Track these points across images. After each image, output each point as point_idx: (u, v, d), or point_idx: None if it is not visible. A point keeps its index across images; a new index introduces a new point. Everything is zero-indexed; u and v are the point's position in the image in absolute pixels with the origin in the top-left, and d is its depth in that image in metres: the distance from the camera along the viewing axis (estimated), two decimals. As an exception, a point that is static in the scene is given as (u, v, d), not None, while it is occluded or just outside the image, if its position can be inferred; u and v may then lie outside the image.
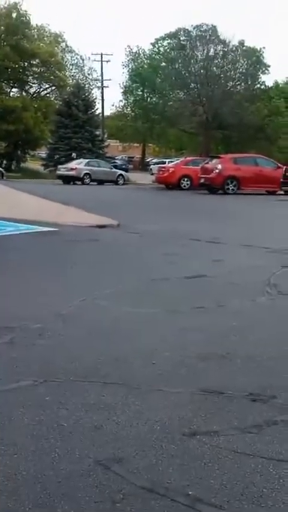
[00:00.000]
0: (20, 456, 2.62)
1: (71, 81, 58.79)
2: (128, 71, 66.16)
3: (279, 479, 2.49)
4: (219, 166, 25.50)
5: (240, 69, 54.14)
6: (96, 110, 51.49)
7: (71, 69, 64.35)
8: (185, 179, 28.77)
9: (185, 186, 28.67)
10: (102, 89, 60.01)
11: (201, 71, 51.45)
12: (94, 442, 2.75)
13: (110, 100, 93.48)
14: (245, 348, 4.18)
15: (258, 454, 2.69)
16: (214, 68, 52.26)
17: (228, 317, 5.06)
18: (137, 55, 66.62)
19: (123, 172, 39.52)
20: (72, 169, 35.49)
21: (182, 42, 54.66)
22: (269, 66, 54.70)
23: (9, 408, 3.09)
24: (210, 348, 4.15)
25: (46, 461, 2.59)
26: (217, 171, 25.32)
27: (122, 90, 67.04)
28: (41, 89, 60.53)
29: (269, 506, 2.30)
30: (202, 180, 26.12)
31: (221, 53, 52.20)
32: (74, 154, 40.00)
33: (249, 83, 55.23)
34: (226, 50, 51.94)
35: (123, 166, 50.90)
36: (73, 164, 36.42)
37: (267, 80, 61.80)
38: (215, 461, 2.62)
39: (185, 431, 2.87)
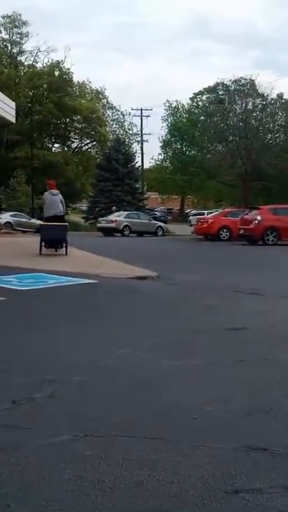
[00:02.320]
0: (61, 512, 2.59)
1: (111, 136, 60.24)
2: (167, 125, 67.63)
3: None
4: (259, 217, 25.50)
5: (279, 121, 54.63)
6: (136, 163, 52.47)
7: (112, 125, 66.10)
8: (224, 230, 28.84)
9: (224, 237, 28.71)
10: (142, 143, 61.33)
11: (240, 124, 52.10)
12: (135, 499, 2.70)
13: (150, 153, 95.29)
14: (289, 403, 4.09)
15: (305, 514, 2.60)
16: (253, 120, 52.86)
17: (271, 370, 4.97)
18: (175, 109, 68.09)
19: (162, 224, 39.89)
20: (112, 221, 35.99)
21: (220, 96, 55.61)
22: (308, 118, 55.07)
23: (49, 463, 3.07)
24: (253, 403, 4.07)
25: (87, 518, 2.55)
26: (256, 222, 25.31)
27: (161, 144, 68.30)
28: (82, 144, 62.11)
29: None
30: (241, 231, 26.11)
31: (260, 106, 52.85)
32: (114, 208, 40.55)
33: (288, 134, 55.67)
34: (265, 103, 52.57)
35: (162, 218, 51.42)
36: (113, 216, 36.91)
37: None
38: (260, 521, 2.54)
39: (228, 489, 2.80)
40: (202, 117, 59.73)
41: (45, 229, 16.65)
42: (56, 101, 53.99)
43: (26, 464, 3.06)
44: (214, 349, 5.79)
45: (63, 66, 56.67)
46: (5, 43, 58.02)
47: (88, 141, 61.80)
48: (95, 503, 2.66)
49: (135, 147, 60.69)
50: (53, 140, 61.49)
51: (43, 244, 16.28)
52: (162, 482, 2.86)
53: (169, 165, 70.06)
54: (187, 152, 67.20)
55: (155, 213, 55.16)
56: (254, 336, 6.43)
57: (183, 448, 3.28)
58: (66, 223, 17.55)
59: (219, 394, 4.29)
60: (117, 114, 66.58)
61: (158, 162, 70.81)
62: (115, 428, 3.54)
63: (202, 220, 31.69)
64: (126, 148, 51.10)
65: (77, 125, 59.57)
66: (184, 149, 67.94)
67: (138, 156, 56.69)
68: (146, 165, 66.84)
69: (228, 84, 53.82)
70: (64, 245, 16.56)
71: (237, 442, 3.36)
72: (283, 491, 2.79)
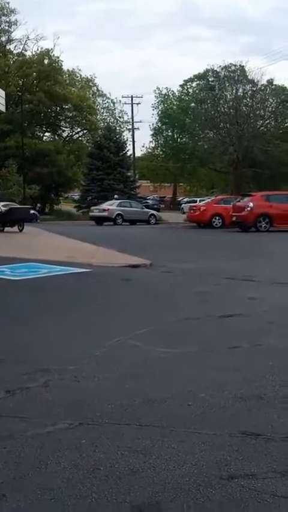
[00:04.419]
0: (57, 501, 2.60)
1: (102, 124, 59.93)
2: (158, 112, 67.30)
3: None
4: (251, 204, 25.50)
5: (270, 108, 54.48)
6: (128, 151, 52.30)
7: (102, 113, 65.73)
8: (217, 217, 28.83)
9: (216, 224, 28.71)
10: (133, 131, 61.14)
11: (231, 110, 51.90)
12: (130, 486, 2.72)
13: (141, 141, 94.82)
14: (283, 389, 4.11)
15: (299, 498, 2.62)
16: (243, 107, 52.69)
17: (264, 357, 5.00)
18: (166, 97, 67.80)
19: (154, 212, 39.82)
20: (104, 210, 35.87)
21: (210, 82, 55.38)
22: (299, 104, 54.95)
23: (45, 452, 3.08)
24: (246, 389, 4.09)
25: (82, 506, 2.56)
26: (249, 208, 25.31)
27: (152, 132, 68.10)
28: (73, 133, 61.82)
29: None
30: (234, 218, 26.13)
31: (250, 92, 52.68)
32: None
33: (279, 121, 55.53)
34: (255, 89, 52.39)
35: (155, 206, 51.36)
36: (105, 205, 36.82)
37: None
38: (254, 504, 2.56)
39: (223, 475, 2.82)
40: (193, 104, 59.51)
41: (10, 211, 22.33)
42: (46, 90, 53.61)
43: (21, 453, 3.07)
44: (207, 336, 5.81)
45: (53, 55, 56.29)
46: (-7, 31, 57.45)
47: (79, 129, 61.49)
48: (91, 491, 2.67)
49: (127, 135, 60.57)
50: (44, 129, 61.13)
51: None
52: (158, 469, 2.88)
53: (160, 152, 69.91)
54: (178, 139, 67.03)
55: (147, 201, 55.05)
56: (247, 322, 6.45)
57: (178, 435, 3.30)
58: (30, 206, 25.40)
59: (212, 380, 4.30)
60: (107, 101, 66.20)
61: (150, 150, 70.70)
62: (110, 417, 3.55)
63: (194, 208, 31.67)
64: (118, 137, 50.89)
65: (68, 114, 59.20)
66: (175, 136, 67.77)
67: (129, 144, 56.63)
68: (138, 153, 66.77)
69: (218, 70, 53.58)
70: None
71: (232, 428, 3.38)
72: (278, 476, 2.81)
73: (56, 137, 61.01)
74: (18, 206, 25.38)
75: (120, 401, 3.83)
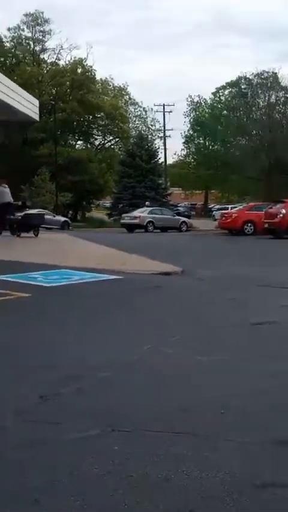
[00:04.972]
0: (90, 507, 2.60)
1: (134, 132, 60.18)
2: (190, 120, 67.31)
3: None
4: (284, 211, 25.29)
5: (302, 114, 54.04)
6: (159, 159, 52.45)
7: (134, 121, 66.04)
8: (249, 224, 28.63)
9: (248, 231, 28.50)
10: (165, 139, 61.31)
11: (263, 117, 51.66)
12: (163, 494, 2.70)
13: (173, 149, 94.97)
14: None
15: None
16: (276, 114, 52.39)
17: (298, 365, 4.93)
18: (198, 104, 67.78)
19: (186, 219, 39.74)
20: (136, 217, 35.93)
21: (243, 90, 55.22)
22: None
23: (77, 458, 3.08)
24: (282, 397, 4.04)
25: (115, 513, 2.55)
26: (281, 215, 25.11)
27: (183, 140, 68.08)
28: (106, 141, 62.21)
29: None
30: (266, 225, 25.93)
31: (283, 99, 52.36)
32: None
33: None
34: (288, 96, 52.10)
35: (186, 213, 51.27)
36: (137, 213, 36.89)
37: None
38: (289, 516, 2.52)
39: (257, 483, 2.78)
40: (225, 112, 59.41)
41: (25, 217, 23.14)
42: (79, 98, 54.17)
43: (54, 459, 3.08)
44: (240, 344, 5.76)
45: (86, 64, 56.87)
46: (27, 41, 58.36)
47: (111, 137, 61.89)
48: (123, 499, 2.66)
49: (158, 143, 60.66)
50: (76, 137, 61.72)
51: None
52: (191, 477, 2.85)
53: (192, 160, 69.82)
54: (210, 147, 66.90)
55: (179, 208, 54.99)
56: (283, 329, 6.38)
57: (211, 442, 3.27)
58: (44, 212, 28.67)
59: (246, 388, 4.26)
60: (139, 110, 66.49)
61: (181, 158, 70.64)
62: (142, 424, 3.53)
63: (226, 215, 31.52)
64: (149, 144, 51.04)
65: (100, 122, 59.69)
66: (207, 144, 67.65)
67: (161, 152, 56.69)
68: (169, 161, 66.81)
69: (250, 77, 53.43)
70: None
71: (265, 436, 3.34)
72: (312, 486, 2.76)
73: (89, 145, 61.53)
74: (33, 212, 26.17)
75: (153, 408, 3.81)
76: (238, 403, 3.92)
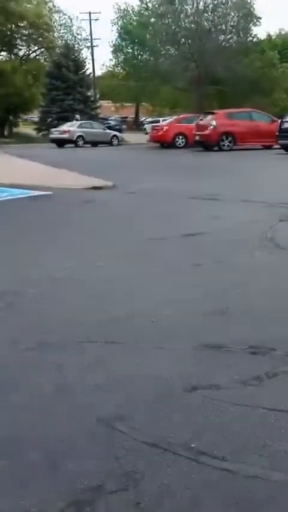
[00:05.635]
0: (24, 417, 2.63)
1: (60, 42, 57.75)
2: (117, 28, 65.02)
3: (281, 429, 2.50)
4: (214, 123, 25.19)
5: (231, 22, 52.95)
6: (87, 70, 50.81)
7: (60, 30, 63.09)
8: (180, 137, 28.48)
9: (179, 144, 28.39)
10: (92, 49, 59.15)
11: (192, 25, 50.42)
12: (95, 401, 2.76)
13: (101, 60, 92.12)
14: (244, 303, 4.18)
15: (260, 405, 2.69)
16: (204, 21, 51.19)
17: (226, 273, 5.05)
18: (125, 12, 65.35)
19: (117, 133, 39.07)
20: (65, 132, 35.05)
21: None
22: (260, 18, 53.41)
23: (11, 372, 3.10)
24: (209, 304, 4.14)
25: (48, 421, 2.60)
26: (212, 127, 25.02)
27: (111, 49, 66.00)
28: (30, 52, 59.51)
29: (271, 456, 2.32)
30: (197, 138, 25.83)
31: (211, 6, 51.06)
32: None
33: (241, 35, 54.10)
34: (216, 2, 50.76)
35: (117, 127, 50.31)
36: (66, 127, 35.96)
37: (259, 32, 60.61)
38: (217, 414, 2.62)
39: (186, 387, 2.88)
40: (153, 19, 57.53)
41: None
42: (0, 7, 51.11)
43: (-14, 374, 3.08)
44: (170, 255, 5.82)
45: None
46: None
47: (36, 48, 59.17)
48: (56, 407, 2.70)
49: (85, 53, 58.72)
50: (-1, 48, 58.74)
51: None
52: (122, 384, 2.92)
53: (121, 70, 68.01)
54: (139, 57, 65.12)
55: (109, 122, 53.86)
56: (210, 240, 6.48)
57: (143, 350, 3.34)
58: None
59: (176, 297, 4.34)
60: (64, 18, 63.48)
61: (110, 68, 68.71)
62: (74, 336, 3.56)
63: (157, 128, 31.16)
64: (76, 55, 49.25)
65: (24, 31, 56.75)
66: (136, 53, 65.81)
67: (88, 63, 55.07)
68: (98, 72, 64.80)
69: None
70: None
71: (195, 341, 3.43)
72: (240, 386, 2.88)
73: (12, 56, 58.69)
74: None
75: (84, 320, 3.84)
76: (169, 312, 3.99)
